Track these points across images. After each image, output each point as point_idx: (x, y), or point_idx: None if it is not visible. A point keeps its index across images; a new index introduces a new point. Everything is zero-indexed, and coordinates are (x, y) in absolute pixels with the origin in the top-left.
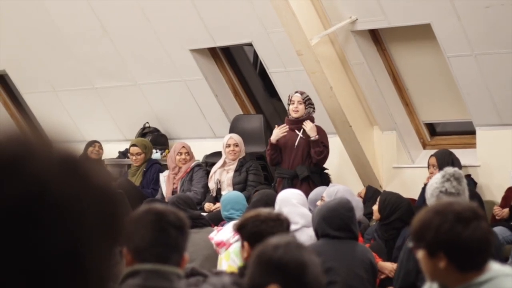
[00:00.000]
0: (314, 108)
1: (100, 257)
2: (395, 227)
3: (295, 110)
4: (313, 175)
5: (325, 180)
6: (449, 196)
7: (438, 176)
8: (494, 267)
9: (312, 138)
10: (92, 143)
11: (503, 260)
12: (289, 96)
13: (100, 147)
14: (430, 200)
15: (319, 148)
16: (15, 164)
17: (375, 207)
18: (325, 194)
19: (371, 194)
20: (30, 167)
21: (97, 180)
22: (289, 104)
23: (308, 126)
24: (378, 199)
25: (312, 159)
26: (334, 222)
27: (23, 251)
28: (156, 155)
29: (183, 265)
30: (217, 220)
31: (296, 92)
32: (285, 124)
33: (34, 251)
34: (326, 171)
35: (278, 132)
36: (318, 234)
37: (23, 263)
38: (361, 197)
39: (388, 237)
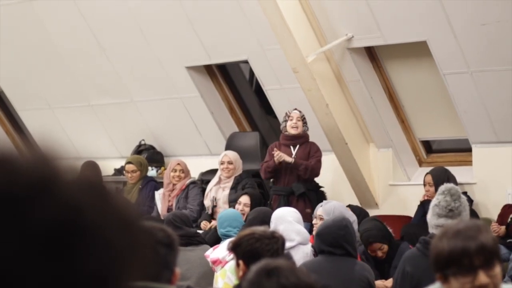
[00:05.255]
0: (308, 127)
1: (126, 284)
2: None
3: (294, 126)
4: (309, 192)
5: (321, 197)
6: (448, 212)
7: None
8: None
9: (289, 162)
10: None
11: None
12: (287, 113)
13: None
14: (431, 220)
15: (299, 170)
16: (44, 187)
17: None
18: (323, 212)
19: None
20: (60, 191)
21: (121, 205)
22: (286, 121)
23: (276, 156)
24: None
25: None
26: (326, 239)
27: (56, 277)
28: (151, 172)
29: (174, 281)
30: (213, 238)
31: (295, 109)
32: (279, 152)
33: (66, 277)
34: (322, 188)
35: (281, 156)
36: (316, 251)
37: None
38: None
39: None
